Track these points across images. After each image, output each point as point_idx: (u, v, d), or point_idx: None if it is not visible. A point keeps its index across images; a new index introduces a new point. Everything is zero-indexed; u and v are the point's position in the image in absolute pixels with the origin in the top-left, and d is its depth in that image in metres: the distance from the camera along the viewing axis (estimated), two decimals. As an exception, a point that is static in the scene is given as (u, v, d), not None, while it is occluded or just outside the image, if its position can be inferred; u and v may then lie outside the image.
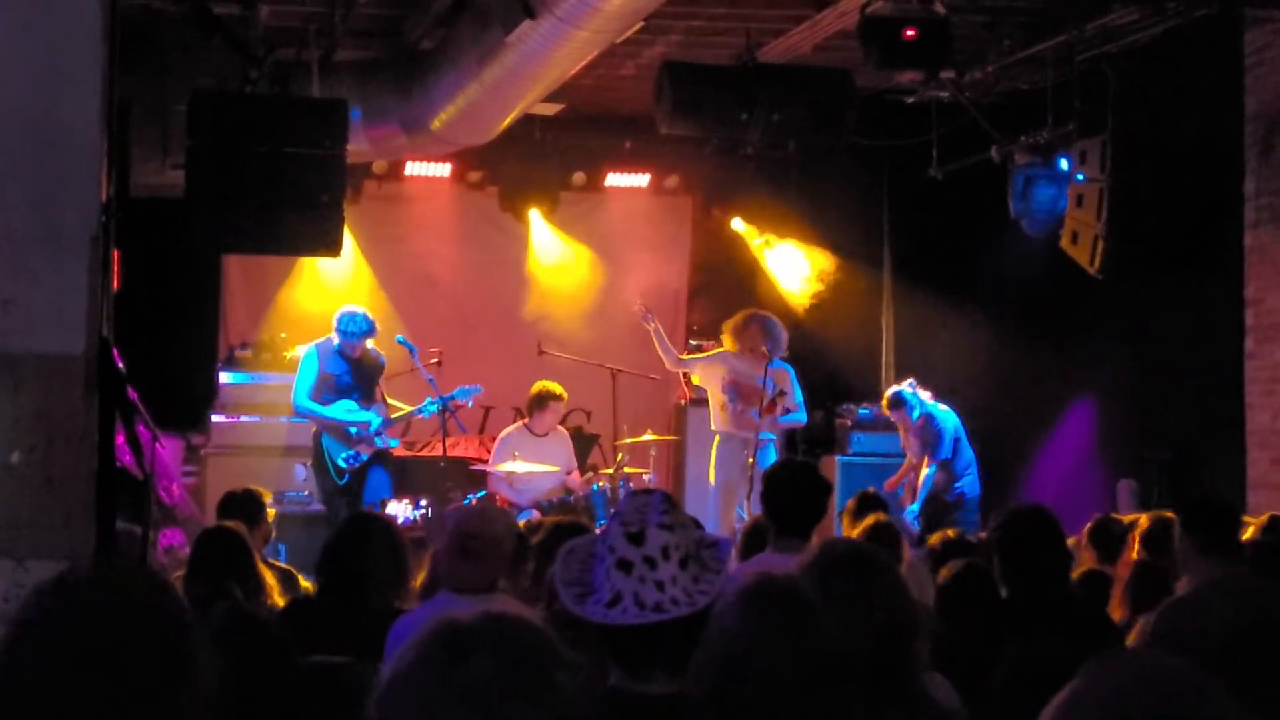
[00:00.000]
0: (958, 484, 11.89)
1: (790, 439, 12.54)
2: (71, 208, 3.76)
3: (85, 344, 3.67)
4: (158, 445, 11.31)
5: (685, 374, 12.58)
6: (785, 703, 2.99)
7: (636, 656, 3.19)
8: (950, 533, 7.92)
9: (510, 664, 2.11)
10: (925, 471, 11.83)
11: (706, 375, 11.98)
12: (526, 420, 11.99)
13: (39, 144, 3.77)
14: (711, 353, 12.17)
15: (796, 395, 11.82)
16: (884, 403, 12.24)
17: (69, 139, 3.78)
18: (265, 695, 3.43)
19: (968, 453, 12.01)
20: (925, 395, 12.05)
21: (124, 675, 2.13)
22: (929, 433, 11.89)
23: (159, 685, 2.15)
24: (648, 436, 12.27)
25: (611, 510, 11.31)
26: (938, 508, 11.60)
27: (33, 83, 3.77)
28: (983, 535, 8.21)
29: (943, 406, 12.02)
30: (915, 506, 11.80)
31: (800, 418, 11.91)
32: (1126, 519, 8.11)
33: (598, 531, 3.86)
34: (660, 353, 11.98)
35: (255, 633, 3.62)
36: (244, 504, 7.97)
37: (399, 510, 10.98)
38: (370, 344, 11.32)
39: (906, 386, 12.07)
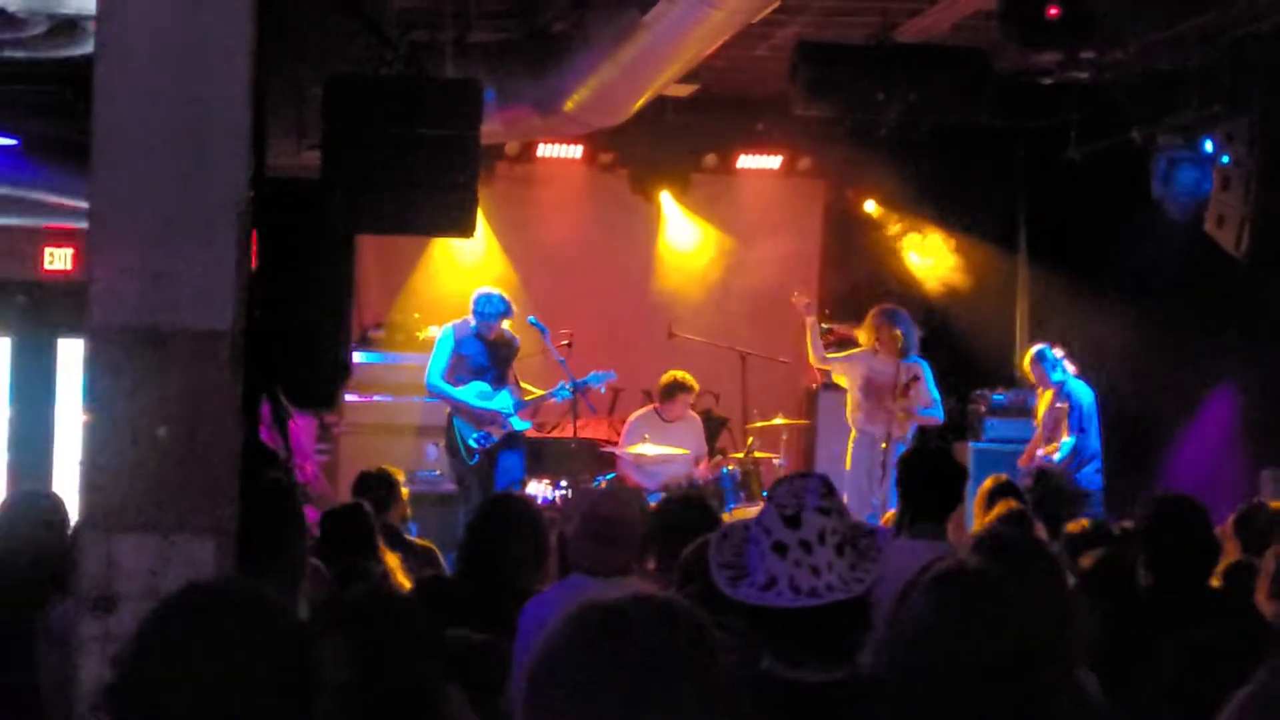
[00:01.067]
0: (1079, 473, 11.70)
1: (922, 426, 12.40)
2: (220, 185, 3.78)
3: (232, 320, 3.70)
4: (291, 424, 11.49)
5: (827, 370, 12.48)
6: (970, 689, 2.92)
7: (790, 641, 3.14)
8: (1086, 522, 7.83)
9: (669, 642, 2.09)
10: (1062, 442, 11.66)
11: (846, 374, 11.95)
12: (657, 405, 11.97)
13: (190, 121, 3.80)
14: (851, 352, 12.11)
15: (932, 392, 11.74)
16: (1026, 359, 12.10)
17: (219, 117, 3.81)
18: (405, 673, 3.43)
19: (1095, 441, 11.83)
20: (1070, 366, 11.91)
21: (233, 695, 2.14)
22: (1062, 398, 11.75)
23: (270, 705, 2.16)
24: (778, 420, 12.21)
25: (742, 494, 11.28)
26: (1058, 499, 11.38)
27: (186, 61, 3.80)
28: (1125, 525, 8.11)
29: (1080, 379, 11.87)
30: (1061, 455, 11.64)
31: (937, 414, 11.82)
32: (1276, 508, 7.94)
33: (724, 517, 3.82)
34: (809, 345, 11.99)
35: (394, 612, 3.61)
36: (377, 484, 8.04)
37: (539, 490, 11.03)
38: (506, 326, 11.37)
39: (1054, 348, 11.92)
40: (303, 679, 2.20)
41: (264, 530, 3.83)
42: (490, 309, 11.21)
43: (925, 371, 11.78)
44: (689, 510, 6.64)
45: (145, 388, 3.67)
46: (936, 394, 11.78)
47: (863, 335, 11.95)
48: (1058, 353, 11.93)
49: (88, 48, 6.46)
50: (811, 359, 12.11)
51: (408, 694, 3.28)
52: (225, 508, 3.71)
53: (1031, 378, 12.07)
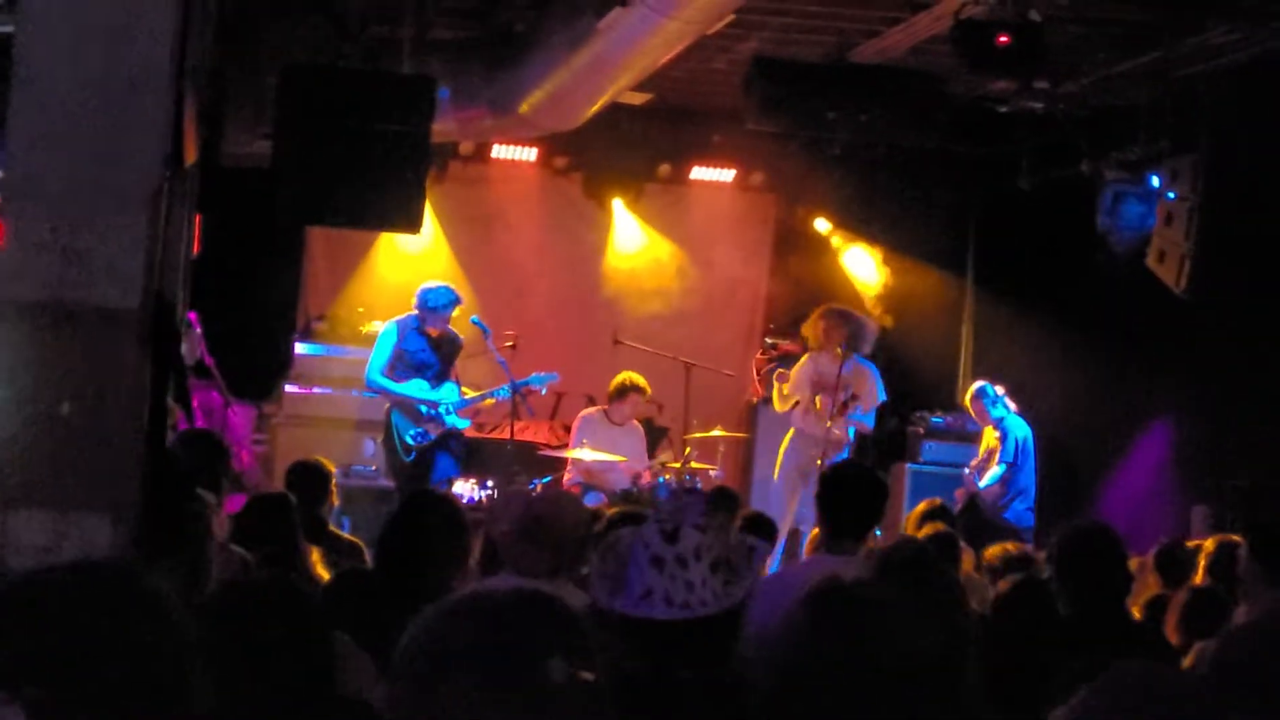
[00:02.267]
0: (1007, 511, 11.74)
1: (862, 444, 12.46)
2: (138, 166, 3.76)
3: (141, 299, 3.68)
4: (230, 411, 11.43)
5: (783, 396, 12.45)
6: (843, 706, 2.96)
7: (661, 651, 3.22)
8: (1011, 546, 7.88)
9: (538, 630, 2.13)
10: (992, 471, 11.72)
11: (796, 386, 11.97)
12: (606, 406, 11.98)
13: (111, 101, 3.78)
14: (795, 369, 12.13)
15: (880, 394, 11.83)
16: (968, 395, 12.15)
17: (141, 99, 3.79)
18: (300, 666, 3.41)
19: (1028, 479, 11.86)
20: (1010, 404, 11.96)
21: (90, 672, 2.13)
22: (999, 431, 11.81)
23: (138, 687, 2.15)
24: (717, 432, 12.23)
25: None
26: (985, 531, 11.40)
27: (111, 42, 3.78)
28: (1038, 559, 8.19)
29: (1019, 415, 11.93)
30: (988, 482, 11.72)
31: (867, 420, 11.85)
32: (1194, 545, 8.00)
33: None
34: (775, 399, 12.08)
35: (296, 603, 3.59)
36: (309, 475, 7.98)
37: (464, 489, 11.01)
38: (451, 324, 11.33)
39: (994, 385, 11.99)
40: (171, 662, 2.19)
41: (165, 514, 3.81)
42: (437, 301, 11.15)
43: (873, 374, 11.85)
44: (623, 518, 6.69)
45: (50, 363, 3.65)
46: (883, 396, 11.91)
47: (808, 333, 12.00)
48: (998, 389, 11.98)
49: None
50: (778, 408, 12.13)
51: (292, 685, 3.26)
52: (125, 488, 3.70)
53: (973, 413, 12.11)
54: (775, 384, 12.11)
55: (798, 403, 11.92)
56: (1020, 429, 11.88)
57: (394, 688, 2.20)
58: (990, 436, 12.01)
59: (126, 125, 3.73)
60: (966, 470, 11.89)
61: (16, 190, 3.72)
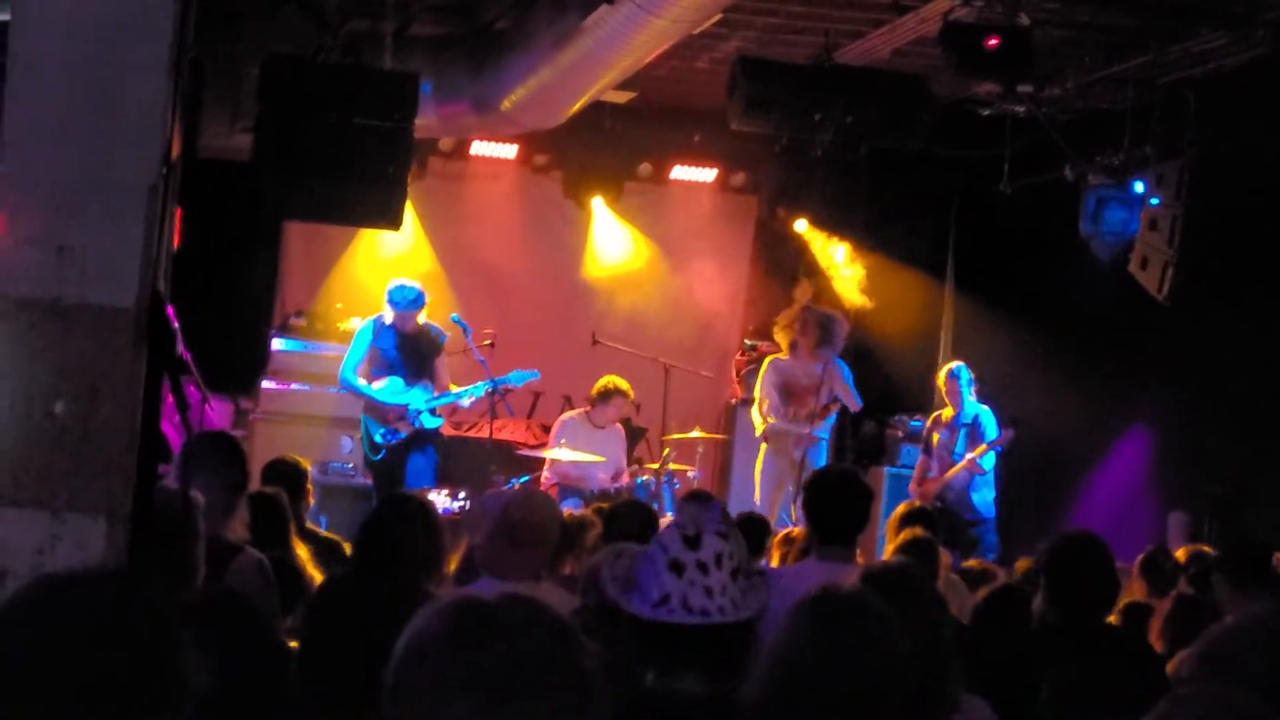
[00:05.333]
0: (974, 498, 11.77)
1: (840, 447, 12.45)
2: (132, 158, 3.69)
3: (137, 297, 3.62)
4: (206, 407, 11.34)
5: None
6: (838, 715, 2.95)
7: (672, 656, 3.17)
8: (975, 563, 7.99)
9: (533, 641, 2.08)
10: (986, 453, 11.68)
11: (764, 391, 11.95)
12: (589, 409, 11.92)
13: (107, 95, 3.71)
14: (762, 371, 12.11)
15: (857, 400, 11.88)
16: (944, 371, 12.14)
17: (138, 94, 3.72)
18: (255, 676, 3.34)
19: (989, 461, 11.89)
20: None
21: (93, 680, 2.08)
22: (968, 418, 11.83)
23: (132, 690, 2.10)
24: (695, 434, 12.21)
25: (654, 505, 11.28)
26: (956, 523, 11.41)
27: (108, 36, 3.72)
28: (1019, 565, 8.26)
29: (985, 407, 11.96)
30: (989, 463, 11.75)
31: (857, 400, 11.91)
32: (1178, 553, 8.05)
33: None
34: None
35: (243, 615, 3.51)
36: (288, 473, 7.92)
37: (438, 501, 10.91)
38: (424, 319, 11.25)
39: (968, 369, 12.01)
40: (163, 681, 2.14)
41: (159, 517, 3.74)
42: (401, 297, 11.06)
43: (844, 373, 11.87)
44: (635, 517, 6.68)
45: (44, 361, 3.58)
46: (856, 396, 11.94)
47: (778, 335, 11.99)
48: (971, 374, 12.01)
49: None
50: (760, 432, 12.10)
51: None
52: (119, 489, 3.63)
53: (944, 390, 12.07)
54: (757, 401, 12.06)
55: (765, 404, 11.90)
56: (990, 417, 11.94)
57: (392, 704, 2.14)
58: (945, 417, 12.00)
59: (124, 121, 3.66)
60: (969, 456, 11.79)
61: (11, 185, 3.65)
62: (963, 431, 11.83)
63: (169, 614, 2.17)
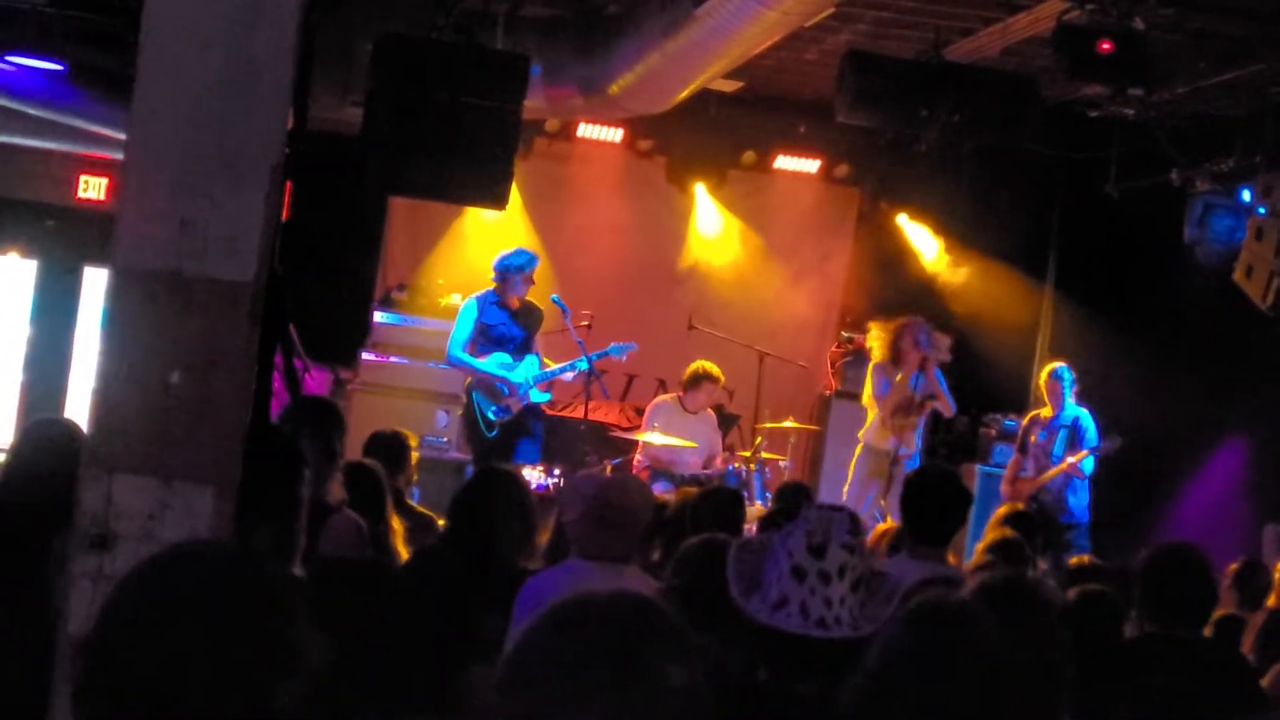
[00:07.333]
0: (1073, 502, 11.70)
1: (932, 444, 12.41)
2: (257, 136, 3.77)
3: (255, 273, 3.70)
4: (307, 377, 11.51)
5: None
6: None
7: (788, 662, 3.19)
8: (1086, 559, 7.84)
9: (643, 640, 2.13)
10: (1086, 457, 11.60)
11: (873, 399, 11.95)
12: (681, 393, 11.96)
13: (235, 71, 3.79)
14: (869, 379, 12.09)
15: (950, 402, 11.84)
16: (1045, 371, 12.05)
17: (264, 70, 3.79)
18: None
19: (1089, 466, 11.81)
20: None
21: (214, 650, 2.14)
22: (1068, 420, 11.73)
23: (254, 660, 2.16)
24: (788, 423, 12.22)
25: (744, 493, 11.31)
26: (1052, 528, 11.33)
27: (238, 11, 3.79)
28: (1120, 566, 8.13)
29: (1085, 410, 11.89)
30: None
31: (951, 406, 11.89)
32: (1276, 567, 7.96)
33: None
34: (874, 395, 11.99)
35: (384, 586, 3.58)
36: (390, 446, 7.98)
37: (532, 476, 11.00)
38: (530, 296, 11.35)
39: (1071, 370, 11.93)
40: (280, 656, 2.20)
41: (268, 486, 3.82)
42: (517, 260, 11.19)
43: (941, 380, 11.84)
44: (720, 505, 6.71)
45: (163, 332, 3.67)
46: (952, 401, 11.91)
47: (879, 346, 11.93)
48: (1074, 375, 11.94)
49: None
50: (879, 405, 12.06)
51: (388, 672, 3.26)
52: (230, 459, 3.72)
53: (1045, 391, 12.01)
54: (869, 377, 12.02)
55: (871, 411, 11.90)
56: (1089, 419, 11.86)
57: (505, 699, 2.20)
58: (1043, 416, 11.91)
59: (250, 98, 3.74)
60: (1070, 459, 11.70)
61: (139, 158, 3.74)
62: (1062, 433, 11.75)
63: (286, 589, 2.24)
